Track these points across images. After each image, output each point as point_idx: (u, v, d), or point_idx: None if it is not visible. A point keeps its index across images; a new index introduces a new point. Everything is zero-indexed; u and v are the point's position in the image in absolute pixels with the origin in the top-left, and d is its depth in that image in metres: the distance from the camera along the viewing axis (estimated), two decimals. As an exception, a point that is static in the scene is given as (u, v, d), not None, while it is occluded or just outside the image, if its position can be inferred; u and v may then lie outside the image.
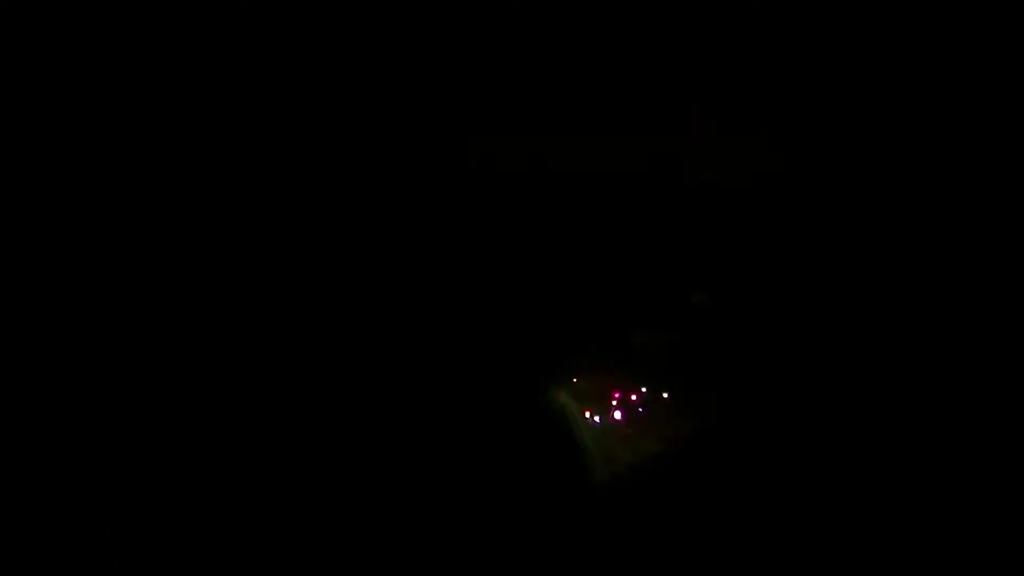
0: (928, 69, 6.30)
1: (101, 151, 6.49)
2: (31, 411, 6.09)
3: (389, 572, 5.98)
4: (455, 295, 6.53)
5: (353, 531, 6.06)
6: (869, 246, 6.36)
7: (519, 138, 6.42)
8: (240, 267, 6.42)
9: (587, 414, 6.36)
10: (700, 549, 5.90)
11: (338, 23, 6.43)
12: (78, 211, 6.43)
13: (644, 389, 6.38)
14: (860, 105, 6.39)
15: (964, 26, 6.21)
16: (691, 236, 6.49)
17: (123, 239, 6.42)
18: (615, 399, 6.37)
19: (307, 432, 6.22)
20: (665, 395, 6.36)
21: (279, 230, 6.49)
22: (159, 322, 6.34)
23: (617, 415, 6.34)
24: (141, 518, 5.96)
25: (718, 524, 5.94)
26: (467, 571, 5.97)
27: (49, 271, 6.35)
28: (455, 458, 6.20)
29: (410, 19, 6.42)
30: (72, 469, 6.02)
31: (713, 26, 6.42)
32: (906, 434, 6.06)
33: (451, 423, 6.30)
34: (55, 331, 6.25)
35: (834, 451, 6.07)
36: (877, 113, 6.39)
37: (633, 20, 6.41)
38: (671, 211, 6.47)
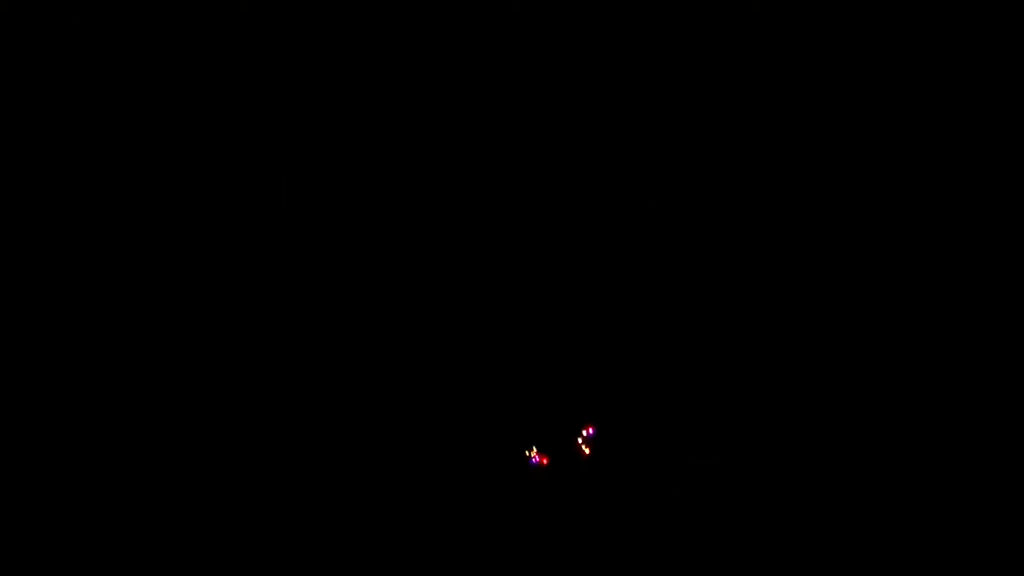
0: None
1: (100, 150, 6.53)
2: (30, 411, 6.16)
3: (389, 572, 6.02)
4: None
5: (353, 531, 6.09)
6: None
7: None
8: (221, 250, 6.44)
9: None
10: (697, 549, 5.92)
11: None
12: (77, 211, 6.48)
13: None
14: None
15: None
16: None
17: (122, 238, 6.47)
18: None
19: (306, 432, 6.26)
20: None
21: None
22: (157, 321, 6.39)
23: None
24: (141, 518, 6.02)
25: (714, 524, 5.95)
26: (467, 571, 6.01)
27: (48, 270, 6.40)
28: (454, 458, 6.23)
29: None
30: (71, 469, 6.07)
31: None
32: (902, 432, 6.05)
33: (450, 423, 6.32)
34: (54, 330, 6.31)
35: (830, 451, 6.07)
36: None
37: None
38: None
